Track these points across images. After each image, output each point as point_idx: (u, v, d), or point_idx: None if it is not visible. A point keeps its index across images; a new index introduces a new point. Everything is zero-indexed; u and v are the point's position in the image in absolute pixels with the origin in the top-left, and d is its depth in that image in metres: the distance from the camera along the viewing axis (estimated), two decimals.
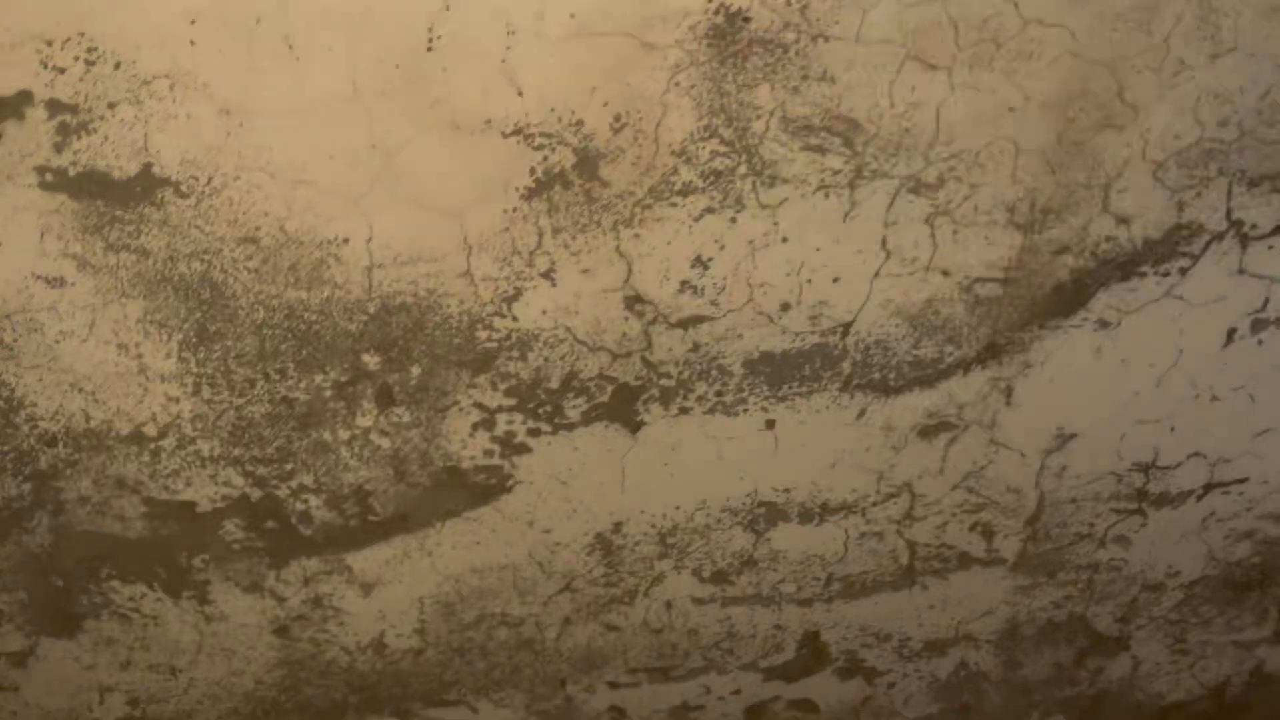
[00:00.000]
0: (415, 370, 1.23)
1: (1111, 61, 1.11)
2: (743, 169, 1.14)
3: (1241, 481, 1.53)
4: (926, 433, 1.40)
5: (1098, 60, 1.10)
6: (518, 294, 1.19)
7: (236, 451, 1.27)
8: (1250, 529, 1.59)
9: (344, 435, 1.27)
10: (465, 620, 1.50)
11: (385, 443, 1.28)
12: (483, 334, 1.22)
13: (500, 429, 1.30)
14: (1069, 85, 1.12)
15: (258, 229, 1.10)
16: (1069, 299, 1.30)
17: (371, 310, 1.17)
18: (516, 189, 1.12)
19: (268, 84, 1.01)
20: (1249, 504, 1.56)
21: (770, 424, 1.36)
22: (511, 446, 1.32)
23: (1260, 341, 1.37)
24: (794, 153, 1.14)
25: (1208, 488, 1.53)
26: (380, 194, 1.10)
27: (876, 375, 1.33)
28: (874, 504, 1.48)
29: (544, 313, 1.21)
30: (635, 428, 1.33)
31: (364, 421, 1.26)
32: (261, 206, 1.09)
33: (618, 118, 1.09)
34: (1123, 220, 1.23)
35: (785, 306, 1.26)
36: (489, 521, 1.39)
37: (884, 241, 1.22)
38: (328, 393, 1.23)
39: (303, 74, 1.01)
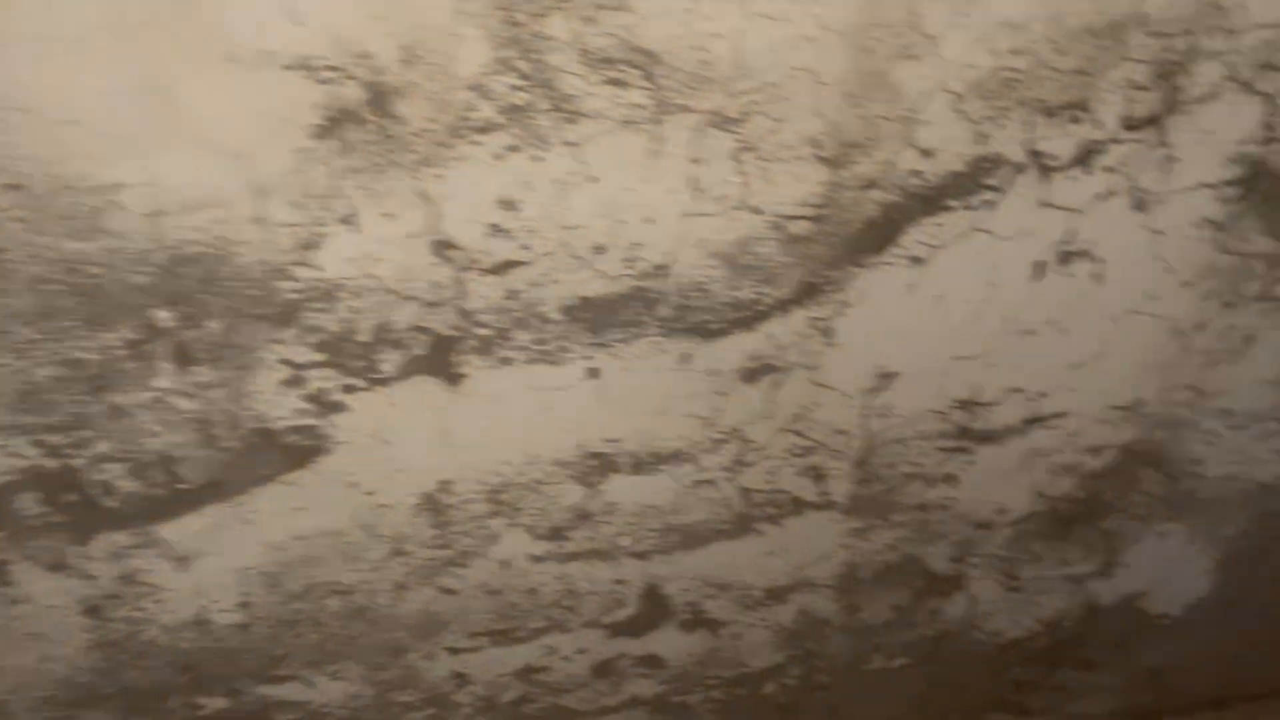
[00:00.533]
0: (214, 325, 1.16)
1: None
2: (543, 104, 1.10)
3: (1060, 415, 1.55)
4: (750, 376, 1.39)
5: None
6: (317, 241, 1.13)
7: (25, 420, 1.18)
8: (1072, 463, 1.62)
9: (142, 398, 1.19)
10: (292, 591, 1.43)
11: (188, 405, 1.21)
12: (283, 285, 1.15)
13: (312, 386, 1.24)
14: (864, 14, 1.11)
15: (23, 174, 1.02)
16: (880, 235, 1.29)
17: (160, 261, 1.10)
18: (305, 127, 1.06)
19: (20, 9, 0.93)
20: (1069, 438, 1.58)
21: (593, 372, 1.33)
22: (326, 405, 1.26)
23: (1069, 274, 1.38)
24: (594, 86, 1.10)
25: (1028, 423, 1.55)
26: (157, 134, 1.03)
27: (696, 318, 1.30)
28: (704, 451, 1.45)
29: (348, 260, 1.15)
30: (455, 380, 1.28)
31: (162, 382, 1.18)
32: (25, 149, 1.01)
33: (406, 49, 1.03)
34: (927, 153, 1.23)
35: (600, 249, 1.22)
36: (309, 485, 1.32)
37: (693, 179, 1.19)
38: (120, 352, 1.15)
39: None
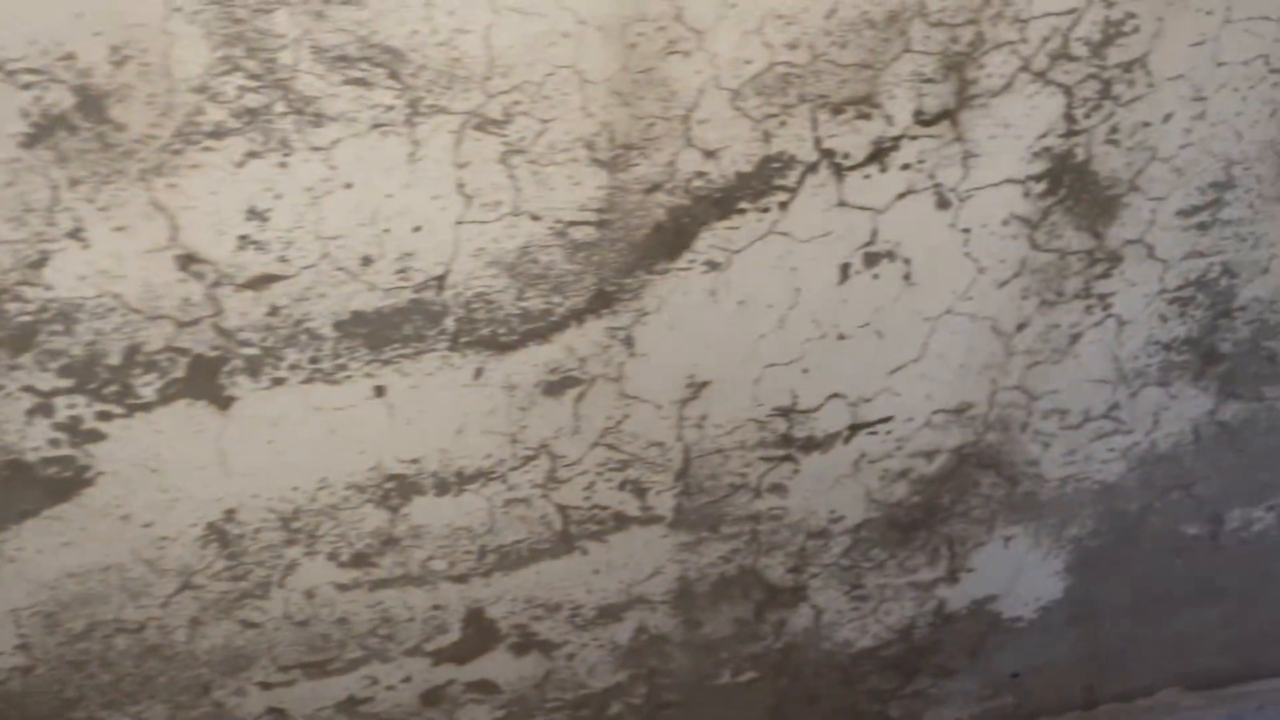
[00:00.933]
0: None
1: None
2: (280, 106, 1.02)
3: (885, 420, 1.50)
4: (552, 390, 1.31)
5: None
6: (43, 258, 1.04)
7: None
8: (904, 468, 1.56)
9: None
10: (74, 631, 1.33)
11: None
12: (12, 307, 1.05)
13: (61, 414, 1.14)
14: (624, 7, 1.04)
15: None
16: (672, 240, 1.22)
17: None
18: (11, 136, 0.96)
19: None
20: (897, 443, 1.53)
21: (380, 390, 1.24)
22: (81, 433, 1.16)
23: (876, 276, 1.33)
24: (335, 87, 1.02)
25: (853, 429, 1.49)
26: None
27: (485, 331, 1.22)
28: (513, 469, 1.38)
29: (81, 278, 1.06)
30: (225, 404, 1.19)
31: None
32: None
33: (115, 49, 0.94)
34: (710, 153, 1.16)
35: (367, 260, 1.14)
36: (75, 519, 1.22)
37: (460, 185, 1.11)
38: None
39: None
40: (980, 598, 1.81)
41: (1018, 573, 1.78)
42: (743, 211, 1.21)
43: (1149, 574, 1.91)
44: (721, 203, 1.20)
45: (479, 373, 1.26)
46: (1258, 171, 1.35)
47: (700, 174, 1.17)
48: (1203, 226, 1.39)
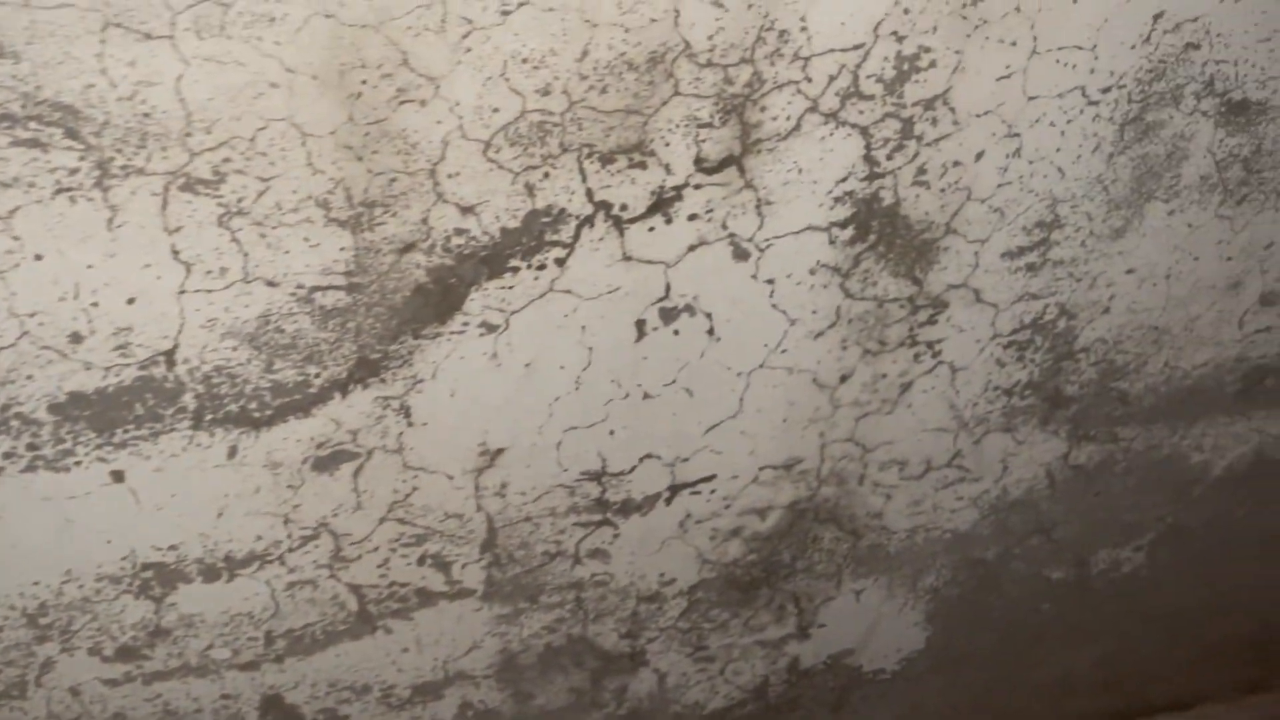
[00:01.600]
0: None
1: (379, 24, 0.89)
2: None
3: (708, 480, 1.37)
4: (323, 465, 1.17)
5: (360, 23, 0.89)
6: None
7: None
8: (735, 526, 1.44)
9: None
10: None
11: None
12: None
13: None
14: (338, 54, 0.90)
15: None
16: (438, 302, 1.09)
17: None
18: None
19: None
20: (725, 501, 1.41)
21: (117, 475, 1.10)
22: None
23: (676, 332, 1.20)
24: (3, 150, 0.88)
25: (674, 490, 1.37)
26: None
27: (233, 407, 1.08)
28: (291, 550, 1.24)
29: None
30: None
31: None
32: None
33: None
34: (467, 209, 1.03)
35: (76, 337, 0.99)
36: None
37: (175, 251, 0.97)
38: None
39: None
40: (836, 652, 1.69)
41: (874, 625, 1.67)
42: (515, 270, 1.08)
43: (1015, 619, 1.81)
44: (490, 261, 1.07)
45: (233, 451, 1.12)
46: (1086, 209, 1.24)
47: (460, 231, 1.04)
48: (1032, 268, 1.28)
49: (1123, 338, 1.41)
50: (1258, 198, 1.31)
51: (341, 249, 1.01)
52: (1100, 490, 1.62)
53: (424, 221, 1.02)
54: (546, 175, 1.03)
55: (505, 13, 0.92)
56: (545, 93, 0.98)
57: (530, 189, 1.03)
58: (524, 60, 0.95)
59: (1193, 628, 1.98)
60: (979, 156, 1.15)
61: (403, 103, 0.94)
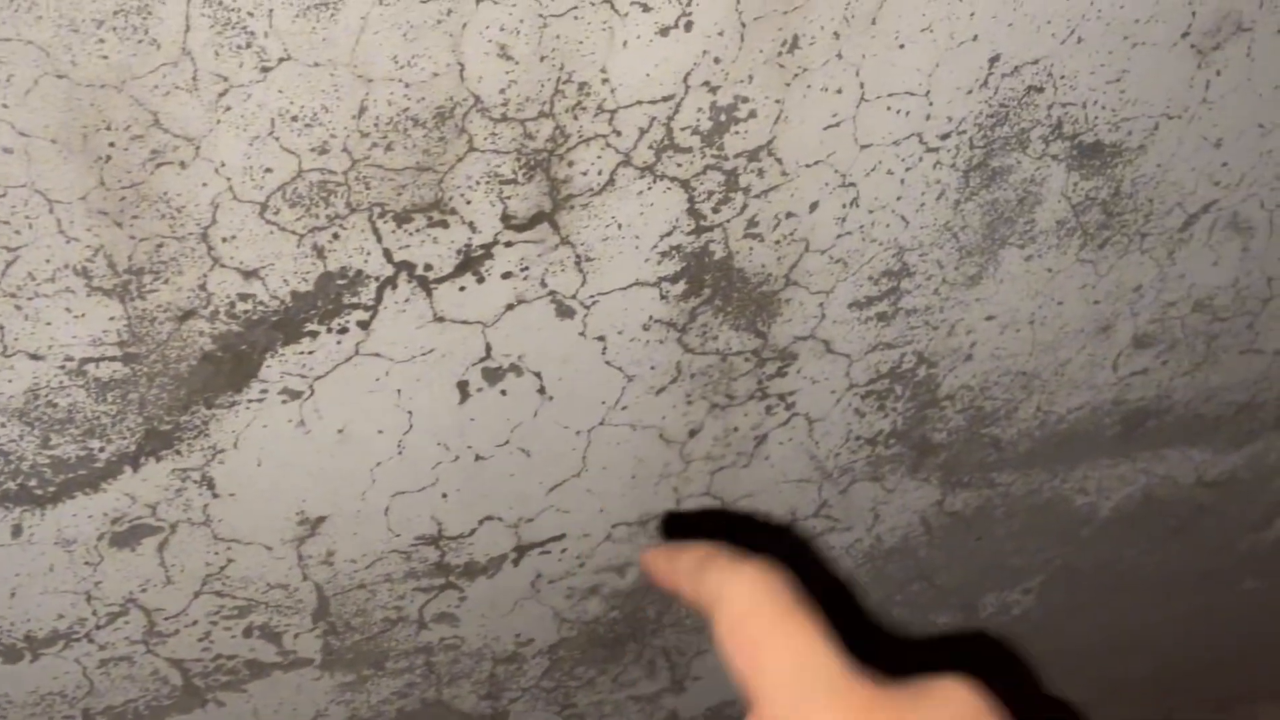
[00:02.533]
0: None
1: (120, 84, 0.81)
2: None
3: (558, 539, 1.30)
4: (122, 541, 1.09)
5: (97, 83, 0.80)
6: None
7: None
8: (592, 584, 1.36)
9: None
10: None
11: None
12: None
13: None
14: (78, 116, 0.82)
15: None
16: (231, 370, 1.01)
17: None
18: None
19: None
20: (578, 560, 1.33)
21: None
22: None
23: (504, 392, 1.12)
24: None
25: (520, 550, 1.28)
26: None
27: (10, 485, 1.00)
28: (99, 627, 1.15)
29: None
30: None
31: None
32: None
33: None
34: (250, 273, 0.95)
35: None
36: None
37: None
38: None
39: None
40: (715, 704, 1.62)
41: None
42: (314, 335, 1.00)
43: (904, 665, 1.74)
44: (283, 326, 0.98)
45: (18, 531, 1.03)
46: (936, 257, 1.17)
47: (245, 296, 0.95)
48: (883, 317, 1.21)
49: (989, 384, 1.35)
50: (1120, 241, 1.24)
51: (111, 318, 0.93)
52: (981, 535, 1.56)
53: (202, 288, 0.94)
54: (336, 236, 0.95)
55: (265, 69, 0.83)
56: (323, 151, 0.90)
57: (320, 251, 0.95)
58: (293, 118, 0.87)
59: (1091, 668, 1.92)
60: (813, 207, 1.08)
61: (160, 165, 0.86)
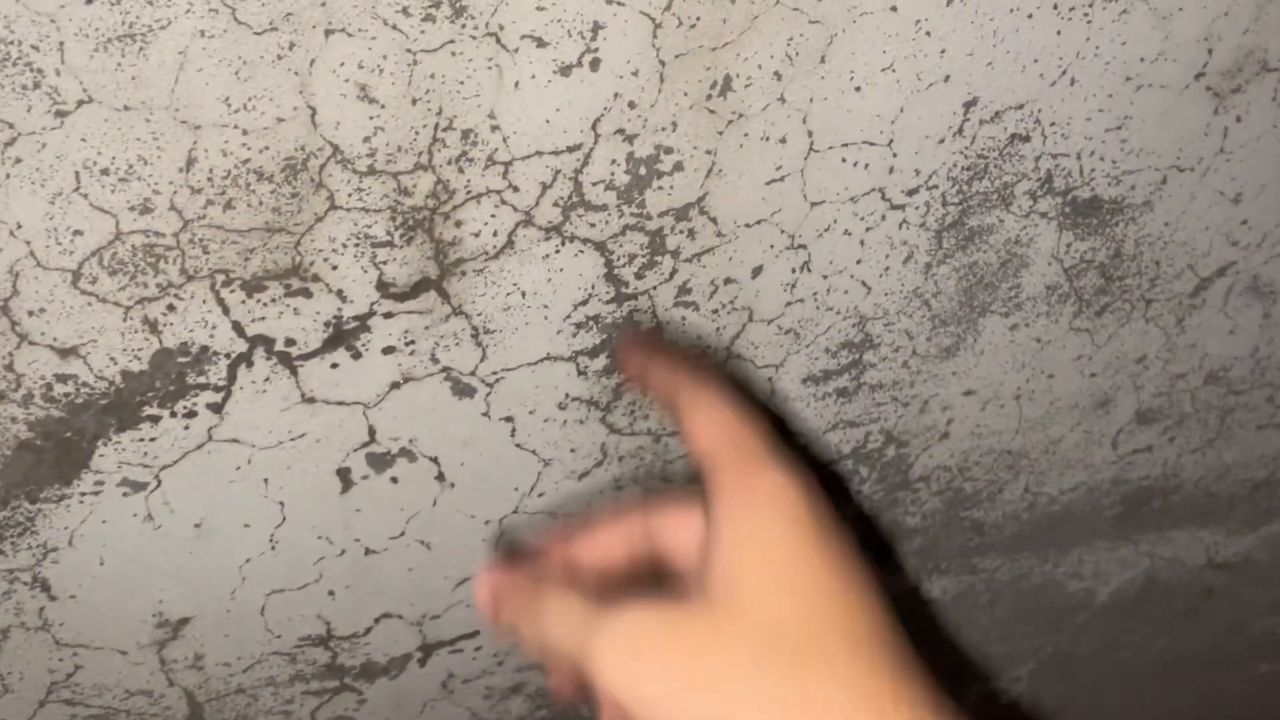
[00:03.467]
0: None
1: None
2: None
3: (469, 636, 1.13)
4: None
5: None
6: None
7: None
8: (515, 683, 1.20)
9: None
10: None
11: None
12: None
13: None
14: None
15: None
16: (56, 459, 0.84)
17: None
18: None
19: None
20: (495, 658, 1.16)
21: None
22: None
23: (394, 479, 0.96)
24: None
25: (427, 649, 1.12)
26: None
27: None
28: None
29: None
30: None
31: None
32: None
33: None
34: (68, 351, 0.78)
35: None
36: None
37: None
38: None
39: None
40: None
41: None
42: (155, 419, 0.84)
43: None
44: (115, 410, 0.82)
45: None
46: (904, 327, 1.00)
47: (64, 377, 0.79)
48: (844, 393, 1.04)
49: (969, 464, 1.17)
50: (1122, 307, 1.07)
51: None
52: (964, 623, 1.38)
53: (8, 368, 0.78)
54: (172, 308, 0.78)
55: (61, 114, 0.67)
56: (145, 210, 0.73)
57: (153, 325, 0.79)
58: (104, 171, 0.71)
59: None
60: (756, 272, 0.91)
61: None
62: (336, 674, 1.12)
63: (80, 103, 0.69)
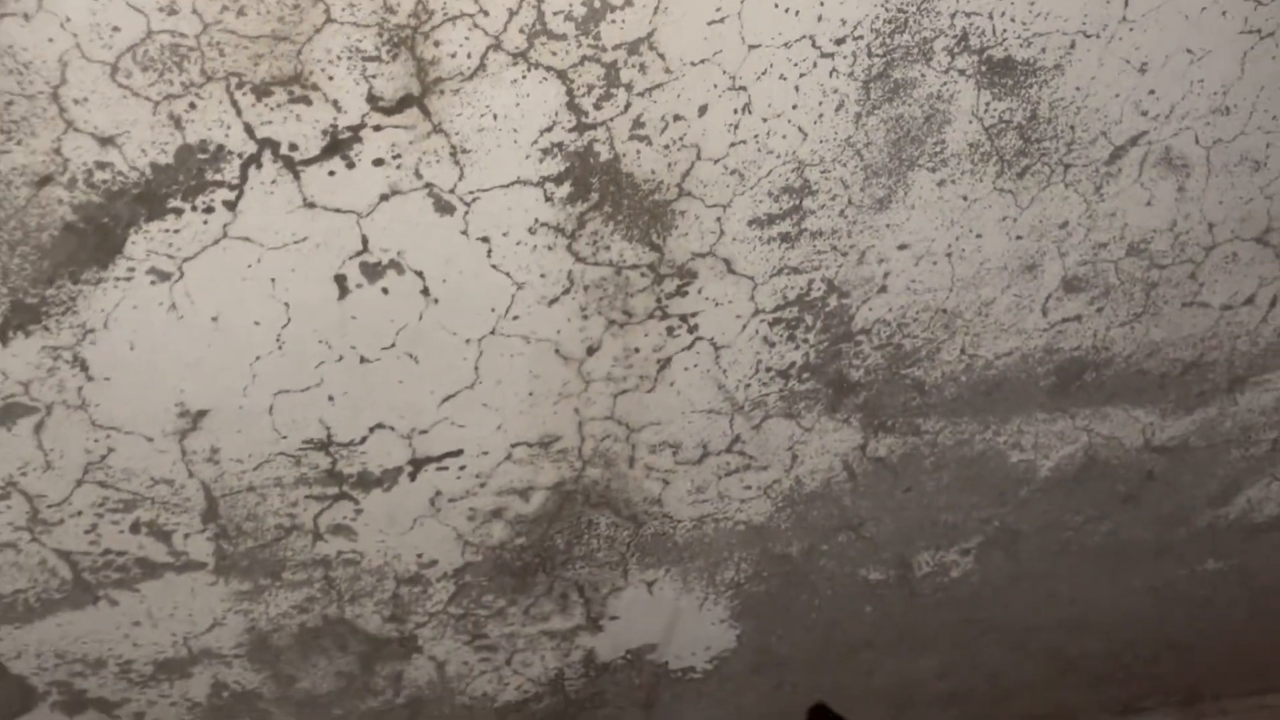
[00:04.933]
0: None
1: None
2: None
3: (455, 454, 1.26)
4: None
5: None
6: None
7: None
8: (496, 507, 1.33)
9: None
10: None
11: None
12: None
13: None
14: None
15: None
16: (96, 244, 0.99)
17: None
18: None
19: None
20: (478, 479, 1.29)
21: None
22: None
23: (385, 290, 1.10)
24: None
25: (416, 464, 1.25)
26: None
27: None
28: None
29: None
30: None
31: None
32: None
33: None
34: (107, 140, 0.93)
35: None
36: None
37: None
38: None
39: None
40: (636, 647, 1.57)
41: (674, 620, 1.55)
42: (178, 212, 0.98)
43: (834, 621, 1.68)
44: (146, 200, 0.96)
45: None
46: (839, 175, 1.12)
47: (102, 165, 0.93)
48: (787, 238, 1.16)
49: (907, 320, 1.29)
50: (1041, 170, 1.18)
51: None
52: (910, 486, 1.49)
53: (57, 152, 0.92)
54: (193, 106, 0.92)
55: None
56: (171, 11, 0.87)
57: (177, 121, 0.93)
58: None
59: (1044, 644, 1.84)
60: (702, 110, 1.04)
61: (2, 16, 0.84)
62: (336, 480, 1.25)
63: None
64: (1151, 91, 1.16)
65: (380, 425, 1.20)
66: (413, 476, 1.26)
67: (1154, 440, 1.54)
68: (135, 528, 1.20)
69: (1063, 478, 1.55)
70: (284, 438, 1.17)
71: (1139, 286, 1.34)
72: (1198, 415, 1.53)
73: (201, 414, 1.13)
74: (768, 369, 1.28)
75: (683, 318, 1.20)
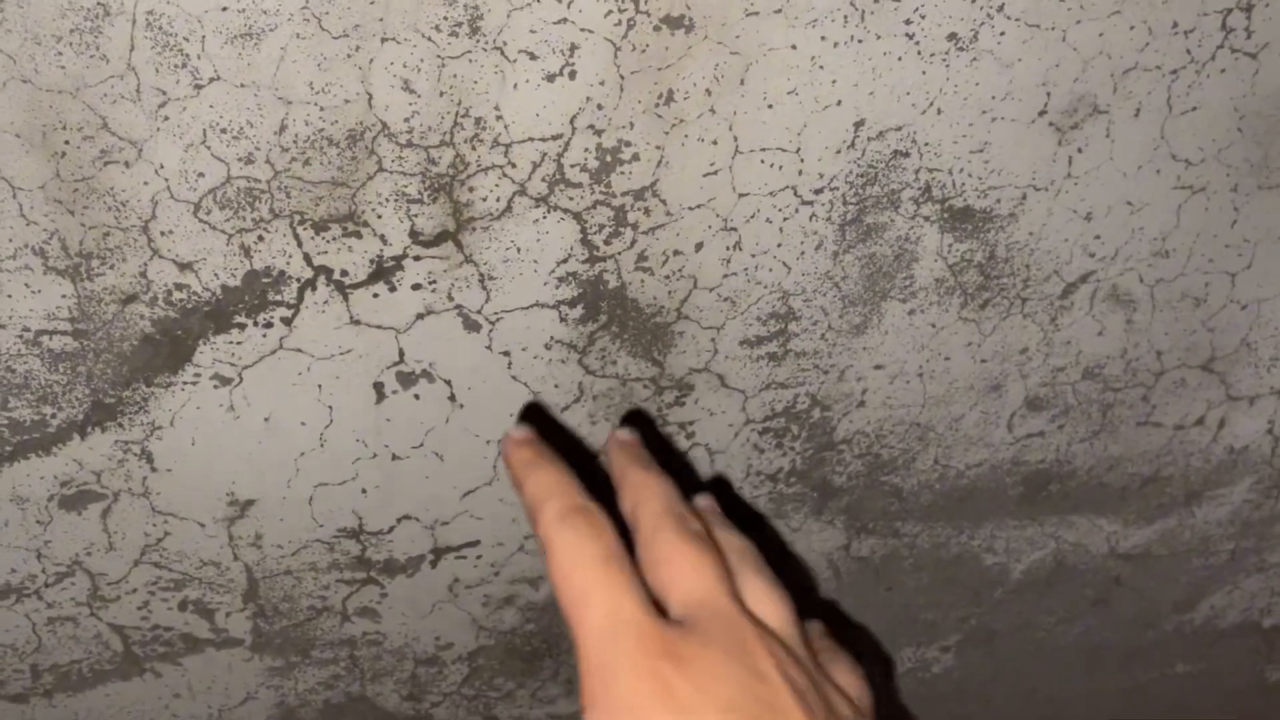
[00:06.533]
0: None
1: (75, 90, 0.95)
2: None
3: (472, 545, 1.38)
4: (70, 504, 1.20)
5: (56, 88, 0.94)
6: None
7: None
8: (507, 594, 1.44)
9: None
10: None
11: None
12: None
13: None
14: (39, 116, 0.96)
15: None
16: (169, 353, 1.13)
17: None
18: None
19: None
20: (493, 568, 1.41)
21: None
22: None
23: (417, 396, 1.23)
24: None
25: (437, 553, 1.37)
26: None
27: None
28: (47, 585, 1.25)
29: None
30: None
31: None
32: None
33: None
34: (185, 266, 1.07)
35: None
36: None
37: None
38: None
39: None
40: None
41: None
42: (242, 326, 1.12)
43: None
44: (214, 316, 1.10)
45: None
46: (820, 304, 1.26)
47: (180, 286, 1.08)
48: (774, 357, 1.29)
49: (884, 432, 1.41)
50: (1001, 303, 1.32)
51: (64, 296, 1.05)
52: (891, 585, 1.59)
53: (143, 274, 1.06)
54: (261, 239, 1.07)
55: (198, 86, 0.97)
56: (249, 161, 1.02)
57: (246, 250, 1.07)
58: (223, 130, 1.00)
59: None
60: (699, 247, 1.18)
61: (107, 163, 0.99)
62: (364, 566, 1.37)
63: (211, 79, 0.99)
64: (1097, 237, 1.29)
65: (407, 516, 1.32)
66: (434, 564, 1.37)
67: (1118, 548, 1.65)
68: (183, 605, 1.31)
69: (1034, 580, 1.65)
70: (320, 526, 1.29)
71: (1095, 406, 1.46)
72: (1158, 525, 1.63)
73: (249, 503, 1.25)
74: (759, 473, 1.40)
75: (681, 425, 1.32)
